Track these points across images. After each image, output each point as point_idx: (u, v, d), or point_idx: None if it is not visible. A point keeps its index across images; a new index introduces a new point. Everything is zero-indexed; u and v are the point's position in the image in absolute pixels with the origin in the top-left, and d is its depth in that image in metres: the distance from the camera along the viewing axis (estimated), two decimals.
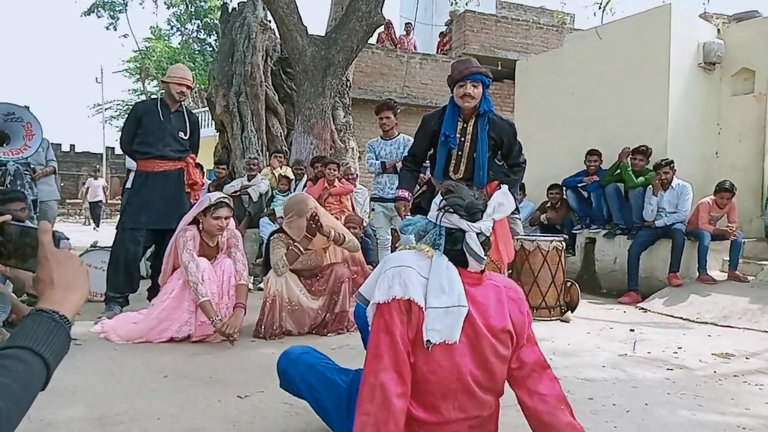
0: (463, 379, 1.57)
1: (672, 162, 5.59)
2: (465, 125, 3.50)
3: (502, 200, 1.67)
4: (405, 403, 1.54)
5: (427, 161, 3.87)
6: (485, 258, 1.62)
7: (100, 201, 16.04)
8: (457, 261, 1.61)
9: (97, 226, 15.15)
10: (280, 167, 6.95)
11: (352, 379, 1.89)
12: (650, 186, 5.69)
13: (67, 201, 22.07)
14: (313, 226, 3.47)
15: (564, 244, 4.87)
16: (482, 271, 1.66)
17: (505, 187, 1.80)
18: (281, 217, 6.10)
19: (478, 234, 1.61)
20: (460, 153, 3.53)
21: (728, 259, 5.49)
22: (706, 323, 4.59)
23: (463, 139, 3.50)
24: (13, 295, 3.36)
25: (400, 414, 1.51)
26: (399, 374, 1.53)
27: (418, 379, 1.57)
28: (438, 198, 1.67)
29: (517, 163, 3.70)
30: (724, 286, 5.23)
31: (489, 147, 3.48)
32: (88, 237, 8.85)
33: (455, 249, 1.61)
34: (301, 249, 3.53)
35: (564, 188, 6.68)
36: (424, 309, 1.55)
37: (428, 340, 1.53)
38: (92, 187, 15.91)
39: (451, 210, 1.61)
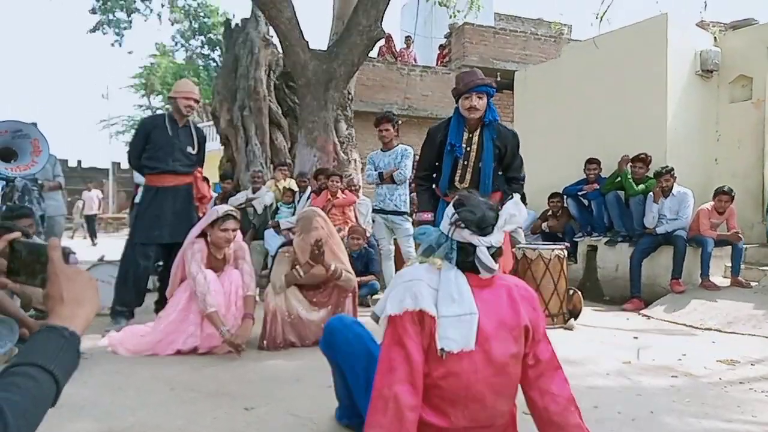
0: (473, 386, 1.59)
1: (672, 169, 5.62)
2: (471, 135, 3.52)
3: (513, 211, 1.69)
4: (417, 415, 1.56)
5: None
6: (495, 268, 1.66)
7: (96, 214, 15.50)
8: (469, 269, 1.66)
9: (94, 241, 14.61)
10: (284, 180, 7.00)
11: None
12: (651, 193, 5.71)
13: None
14: (316, 252, 3.49)
15: (566, 252, 4.89)
16: (493, 276, 1.70)
17: (517, 197, 1.83)
18: (286, 229, 6.16)
19: (488, 248, 1.64)
20: (465, 162, 3.55)
21: (730, 265, 5.49)
22: (710, 330, 4.58)
23: (468, 148, 3.52)
24: (22, 310, 3.39)
25: (412, 426, 1.53)
26: (413, 386, 1.55)
27: (429, 386, 1.58)
28: (450, 210, 1.70)
29: (515, 177, 3.71)
30: (727, 293, 5.23)
31: (494, 156, 3.51)
32: (88, 252, 8.87)
33: (467, 261, 1.65)
34: (301, 273, 3.55)
35: (564, 196, 6.71)
36: (436, 318, 1.57)
37: (442, 349, 1.56)
38: (87, 199, 15.29)
39: (463, 225, 1.64)
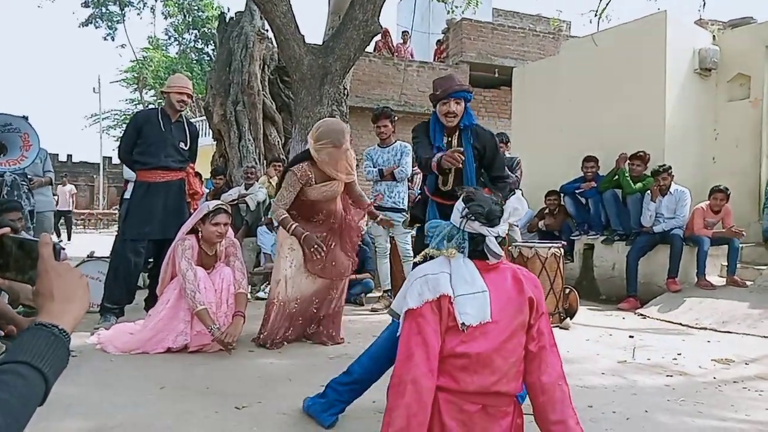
0: (484, 353, 1.74)
1: (670, 168, 5.60)
2: (450, 139, 3.58)
3: (516, 205, 1.90)
4: (433, 393, 1.71)
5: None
6: (502, 254, 1.88)
7: (70, 210, 14.65)
8: (477, 257, 1.86)
9: (69, 238, 13.88)
10: (278, 176, 6.94)
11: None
12: (648, 192, 5.69)
13: None
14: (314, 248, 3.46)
15: (562, 250, 4.87)
16: (498, 261, 1.89)
17: (518, 192, 2.00)
18: (279, 226, 6.11)
19: (496, 237, 1.86)
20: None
21: (726, 264, 5.49)
22: (705, 329, 4.58)
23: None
24: (10, 307, 3.34)
25: (428, 407, 1.69)
26: (430, 370, 1.71)
27: (445, 357, 1.74)
28: (460, 205, 1.91)
29: (500, 176, 3.70)
30: (723, 292, 5.22)
31: (474, 158, 3.55)
32: (77, 248, 8.76)
33: (477, 250, 1.87)
34: (322, 248, 3.48)
35: (562, 194, 6.69)
36: (453, 299, 1.76)
37: (463, 323, 1.74)
38: (60, 194, 14.27)
39: (473, 218, 1.85)
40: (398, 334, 1.83)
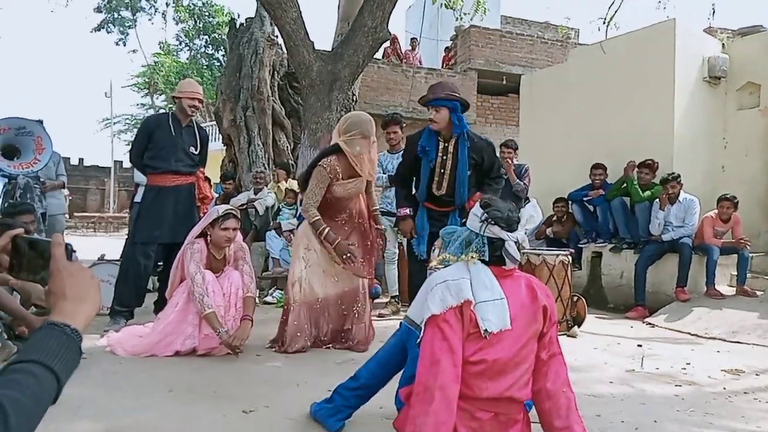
0: (500, 360, 1.75)
1: (679, 176, 5.57)
2: (446, 144, 3.69)
3: (532, 212, 2.09)
4: (457, 402, 1.70)
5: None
6: (519, 259, 1.90)
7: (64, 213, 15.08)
8: (494, 263, 1.87)
9: None
10: (286, 181, 6.97)
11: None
12: (657, 200, 5.67)
13: (75, 214, 22.22)
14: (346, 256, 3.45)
15: (570, 258, 4.85)
16: (513, 268, 1.91)
17: (534, 201, 2.04)
18: (288, 231, 6.13)
19: (516, 242, 1.87)
20: (442, 171, 3.73)
21: (736, 273, 5.45)
22: (714, 339, 4.54)
23: (444, 157, 3.71)
24: (22, 307, 3.37)
25: (454, 415, 1.69)
26: (456, 376, 1.71)
27: (462, 364, 1.74)
28: (479, 210, 1.92)
29: (498, 175, 3.93)
30: (733, 301, 5.18)
31: (470, 166, 3.67)
32: (88, 251, 8.82)
33: (496, 255, 1.87)
34: (350, 252, 3.48)
35: (570, 202, 6.67)
36: (474, 305, 1.76)
37: (486, 330, 1.74)
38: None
39: (493, 222, 1.86)
40: (418, 340, 1.83)
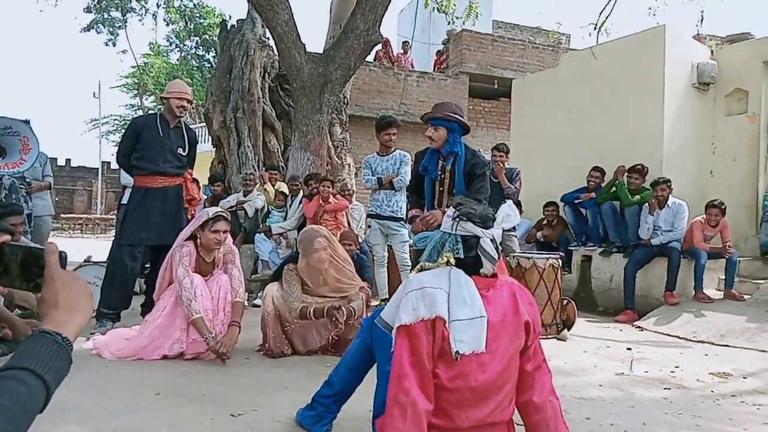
0: (480, 386, 1.65)
1: (669, 180, 5.62)
2: (444, 163, 3.81)
3: (508, 212, 1.82)
4: (428, 419, 1.62)
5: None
6: (497, 258, 1.76)
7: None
8: (471, 268, 1.74)
9: None
10: (273, 183, 6.94)
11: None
12: (646, 204, 5.71)
13: (62, 216, 21.99)
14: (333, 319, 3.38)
15: (560, 261, 4.87)
16: (494, 275, 1.78)
17: (509, 201, 1.96)
18: (278, 234, 6.10)
19: (491, 240, 1.76)
20: (441, 188, 3.84)
21: (724, 277, 5.50)
22: (703, 342, 4.57)
23: (443, 175, 3.83)
24: (6, 309, 3.32)
25: (425, 428, 1.60)
26: (425, 392, 1.61)
27: (437, 388, 1.64)
28: (450, 211, 1.82)
29: (477, 189, 3.91)
30: (721, 305, 5.22)
31: (465, 184, 3.76)
32: (72, 253, 8.74)
33: (470, 255, 1.75)
34: (312, 314, 3.40)
35: (561, 205, 6.70)
36: (448, 323, 1.64)
37: (457, 351, 1.62)
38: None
39: (466, 218, 1.75)
40: (392, 349, 1.72)
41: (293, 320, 3.49)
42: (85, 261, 5.12)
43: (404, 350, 1.63)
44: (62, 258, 0.98)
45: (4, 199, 4.67)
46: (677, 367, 3.66)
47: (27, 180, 5.13)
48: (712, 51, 6.90)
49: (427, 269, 1.80)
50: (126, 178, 5.90)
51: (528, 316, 1.74)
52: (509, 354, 1.69)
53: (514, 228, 5.78)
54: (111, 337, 3.55)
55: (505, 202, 5.61)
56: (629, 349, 4.17)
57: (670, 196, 5.61)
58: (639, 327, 5.15)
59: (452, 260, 1.74)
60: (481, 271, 1.74)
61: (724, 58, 6.76)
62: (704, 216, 5.55)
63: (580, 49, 8.98)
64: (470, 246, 1.74)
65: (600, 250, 6.17)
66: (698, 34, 8.57)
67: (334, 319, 3.35)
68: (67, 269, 1.00)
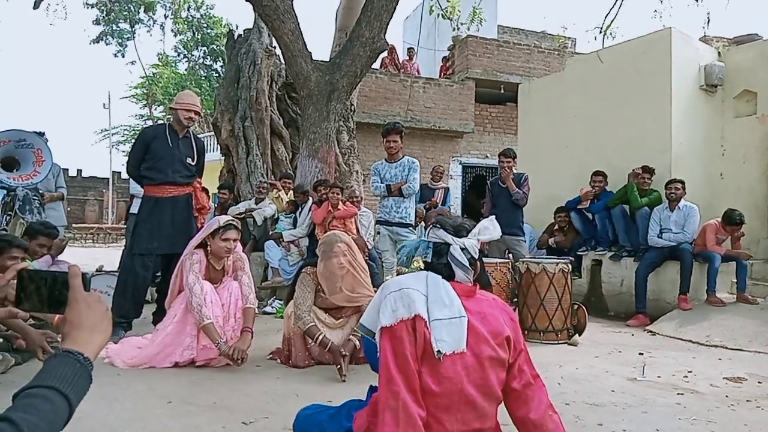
0: (466, 389, 1.63)
1: (683, 181, 5.58)
2: None
3: (488, 225, 1.82)
4: (423, 420, 1.60)
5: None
6: (469, 268, 1.74)
7: None
8: (445, 274, 1.74)
9: None
10: (287, 192, 6.98)
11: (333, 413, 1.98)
12: (656, 207, 5.68)
13: (74, 225, 22.17)
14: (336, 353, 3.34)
15: (570, 266, 4.84)
16: (475, 285, 1.78)
17: (492, 217, 1.92)
18: (289, 242, 6.11)
19: (462, 249, 1.74)
20: None
21: (736, 281, 5.44)
22: (716, 346, 4.52)
23: None
24: (22, 321, 3.35)
25: (421, 428, 1.57)
26: (414, 393, 1.60)
27: (424, 393, 1.62)
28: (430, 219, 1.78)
29: None
30: (734, 309, 5.17)
31: None
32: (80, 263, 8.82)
33: (440, 262, 1.75)
34: (322, 338, 3.38)
35: (569, 210, 6.68)
36: (428, 323, 1.63)
37: (439, 351, 1.60)
38: None
39: (438, 226, 1.78)
40: (378, 353, 1.71)
41: (302, 331, 3.48)
42: (96, 270, 5.17)
43: (389, 353, 1.63)
44: (86, 280, 1.03)
45: (18, 211, 4.73)
46: (690, 371, 3.63)
47: (40, 191, 5.19)
48: (719, 53, 6.87)
49: (405, 273, 1.81)
50: (135, 188, 5.95)
51: (508, 332, 1.71)
52: (492, 361, 1.67)
53: (522, 232, 5.77)
54: (123, 345, 3.57)
55: (514, 207, 5.62)
56: (641, 354, 4.14)
57: (682, 198, 5.57)
58: (651, 331, 5.11)
59: (421, 264, 1.75)
60: (456, 278, 1.74)
61: (731, 59, 6.73)
62: (718, 219, 5.48)
63: (585, 53, 8.97)
64: (440, 252, 1.76)
65: (610, 255, 6.14)
66: (705, 35, 8.54)
67: (338, 366, 3.28)
68: (99, 295, 1.05)
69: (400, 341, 1.61)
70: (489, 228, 1.81)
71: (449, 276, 1.74)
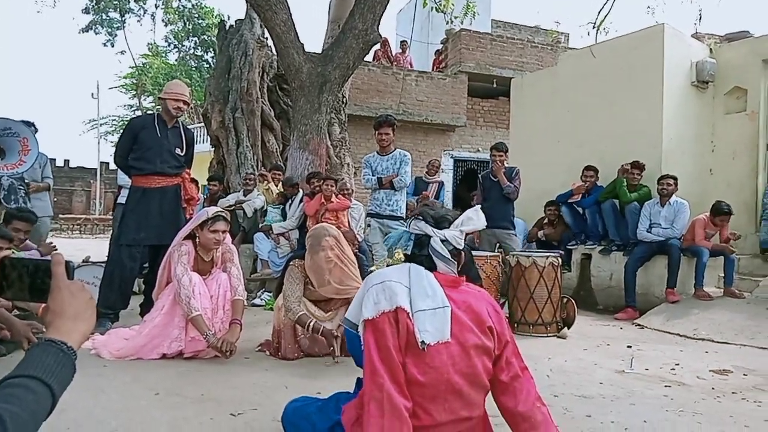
0: (452, 378, 1.64)
1: (675, 177, 5.61)
2: None
3: (472, 215, 1.82)
4: (409, 412, 1.59)
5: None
6: (450, 259, 1.75)
7: None
8: (427, 265, 1.75)
9: None
10: (276, 183, 6.94)
11: (321, 405, 2.01)
12: (646, 202, 5.72)
13: (60, 216, 21.97)
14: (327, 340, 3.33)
15: (560, 260, 4.86)
16: (460, 276, 1.78)
17: (477, 207, 1.92)
18: (279, 234, 6.08)
19: (443, 241, 1.75)
20: None
21: (723, 275, 5.49)
22: (703, 339, 4.57)
23: None
24: (5, 311, 3.31)
25: (409, 422, 1.58)
26: (398, 385, 1.60)
27: (410, 384, 1.63)
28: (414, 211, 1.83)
29: None
30: (721, 303, 5.22)
31: None
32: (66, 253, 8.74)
33: (422, 254, 1.76)
34: (311, 326, 3.36)
35: (560, 204, 6.70)
36: (411, 314, 1.63)
37: (422, 341, 1.61)
38: None
39: (420, 218, 1.79)
40: (362, 346, 1.72)
41: (293, 323, 3.47)
42: (83, 261, 5.11)
43: (372, 346, 1.63)
44: (69, 268, 1.02)
45: (2, 200, 4.67)
46: (677, 364, 3.66)
47: (26, 181, 5.13)
48: (711, 49, 6.90)
49: (388, 266, 1.81)
50: (123, 178, 5.90)
51: (491, 322, 1.72)
52: (477, 350, 1.68)
53: (513, 225, 5.77)
54: (110, 336, 3.54)
55: (505, 200, 5.62)
56: (629, 347, 4.17)
57: (673, 194, 5.60)
58: (639, 325, 5.15)
59: (402, 256, 1.78)
60: (438, 270, 1.74)
61: (723, 56, 6.76)
62: (707, 214, 5.53)
63: (578, 48, 8.98)
64: (421, 244, 1.76)
65: (600, 249, 6.17)
66: (697, 32, 8.57)
67: (331, 347, 3.29)
68: (82, 284, 1.03)
69: (383, 333, 1.62)
70: (473, 219, 1.81)
71: (431, 268, 1.74)
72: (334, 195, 5.86)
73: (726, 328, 4.70)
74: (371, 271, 1.97)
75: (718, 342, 4.48)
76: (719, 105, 6.79)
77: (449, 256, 1.74)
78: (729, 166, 6.67)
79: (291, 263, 3.61)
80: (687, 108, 6.57)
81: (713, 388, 3.13)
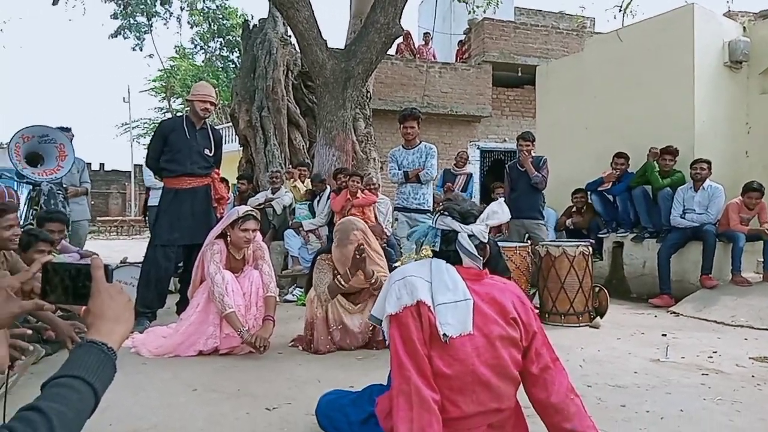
0: (478, 370, 1.64)
1: (709, 161, 5.47)
2: None
3: (496, 209, 1.82)
4: (438, 404, 1.60)
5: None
6: (477, 255, 1.75)
7: None
8: (453, 260, 1.75)
9: None
10: (303, 180, 7.00)
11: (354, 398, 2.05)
12: (679, 188, 5.59)
13: (98, 219, 22.58)
14: (358, 258, 3.38)
15: (590, 248, 4.80)
16: (483, 270, 1.78)
17: (501, 199, 1.93)
18: (309, 231, 6.16)
19: (470, 236, 1.75)
20: None
21: (762, 260, 5.34)
22: (741, 326, 4.45)
23: None
24: (50, 313, 3.43)
25: (437, 414, 1.58)
26: (425, 377, 1.61)
27: (436, 377, 1.64)
28: (439, 206, 1.85)
29: None
30: (760, 288, 5.08)
31: None
32: (109, 254, 8.98)
33: (449, 249, 1.76)
34: (343, 284, 3.46)
35: (588, 192, 6.60)
36: (433, 308, 1.65)
37: (445, 334, 1.62)
38: None
39: (446, 213, 1.78)
40: (387, 343, 1.74)
41: (325, 315, 3.52)
42: (121, 262, 5.26)
43: (397, 340, 1.66)
44: (108, 272, 1.06)
45: (43, 206, 4.83)
46: (715, 352, 3.58)
47: (64, 186, 5.30)
48: (744, 27, 6.67)
49: (412, 261, 1.85)
50: (150, 180, 6.04)
51: (516, 313, 1.71)
52: (503, 341, 1.68)
53: (542, 215, 5.71)
54: (148, 335, 3.65)
55: (533, 191, 5.57)
56: (664, 335, 4.09)
57: (707, 179, 5.46)
58: (674, 312, 5.05)
59: (429, 253, 1.79)
60: (464, 264, 1.75)
61: (757, 34, 6.53)
62: (740, 198, 5.39)
63: (605, 32, 8.79)
64: (448, 240, 1.77)
65: (632, 236, 6.06)
66: (729, 11, 8.30)
67: (359, 256, 3.36)
68: (121, 286, 1.07)
69: (407, 327, 1.64)
70: (498, 212, 1.81)
71: (456, 262, 1.75)
72: (359, 191, 5.89)
73: (766, 314, 4.56)
74: (396, 267, 1.98)
75: (757, 329, 4.36)
76: (754, 85, 6.57)
77: (475, 252, 1.75)
78: (766, 148, 6.45)
79: (319, 257, 3.67)
80: (720, 89, 6.37)
81: (753, 376, 3.06)
